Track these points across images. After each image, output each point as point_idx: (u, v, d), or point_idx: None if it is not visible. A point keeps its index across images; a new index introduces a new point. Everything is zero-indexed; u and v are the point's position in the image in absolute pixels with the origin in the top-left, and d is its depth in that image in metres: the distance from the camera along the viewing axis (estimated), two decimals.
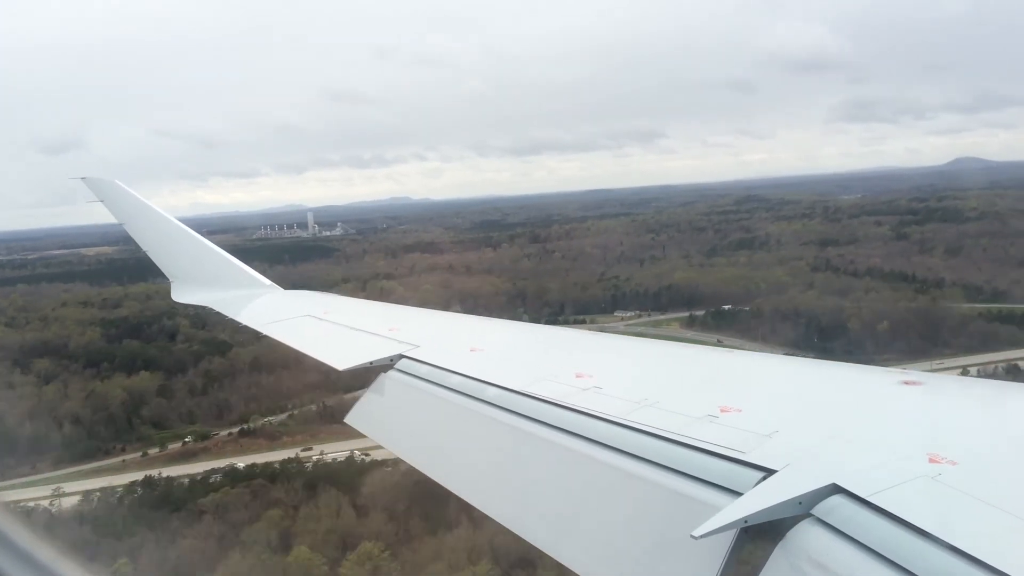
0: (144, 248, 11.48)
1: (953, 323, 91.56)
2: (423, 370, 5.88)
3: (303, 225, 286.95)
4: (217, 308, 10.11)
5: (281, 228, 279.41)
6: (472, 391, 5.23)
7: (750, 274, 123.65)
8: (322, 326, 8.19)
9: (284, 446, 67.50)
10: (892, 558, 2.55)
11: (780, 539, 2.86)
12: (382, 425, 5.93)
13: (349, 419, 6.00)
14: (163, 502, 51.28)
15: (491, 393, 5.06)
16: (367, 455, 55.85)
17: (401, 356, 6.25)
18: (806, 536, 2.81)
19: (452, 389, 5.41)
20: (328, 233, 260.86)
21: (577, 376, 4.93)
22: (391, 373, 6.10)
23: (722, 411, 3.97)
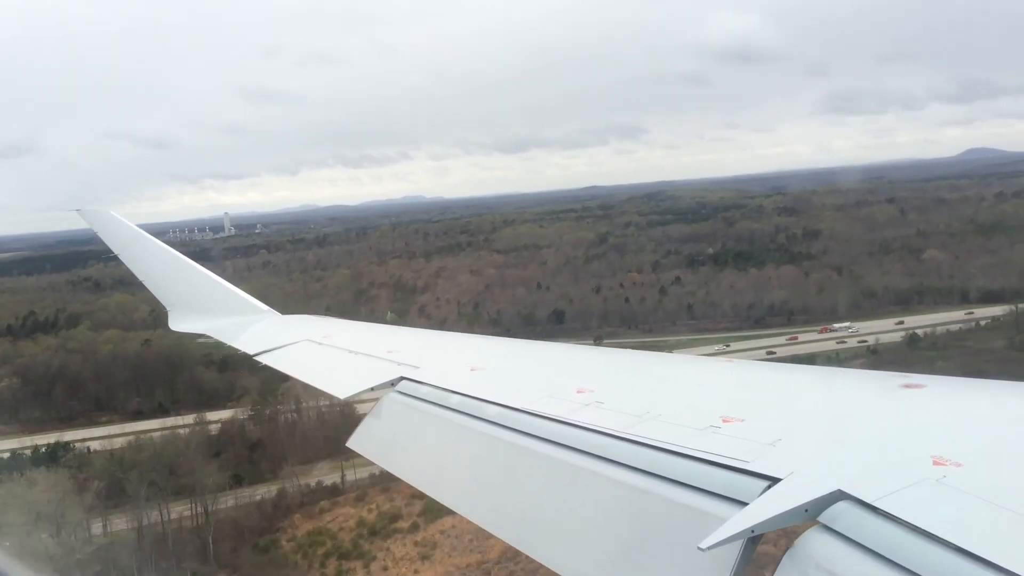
0: (140, 277, 11.21)
1: None
2: (423, 391, 5.87)
3: (216, 228, 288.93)
4: (215, 336, 9.92)
5: (192, 231, 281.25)
6: (473, 410, 5.24)
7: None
8: (321, 351, 8.12)
9: None
10: (901, 563, 2.57)
11: (788, 547, 2.88)
12: (384, 448, 5.92)
13: (351, 443, 6.00)
14: None
15: (492, 412, 5.07)
16: None
17: (401, 378, 6.22)
18: (814, 544, 2.82)
19: (453, 409, 5.42)
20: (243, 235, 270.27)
21: (578, 392, 4.97)
22: (392, 395, 6.10)
23: (724, 421, 4.01)
